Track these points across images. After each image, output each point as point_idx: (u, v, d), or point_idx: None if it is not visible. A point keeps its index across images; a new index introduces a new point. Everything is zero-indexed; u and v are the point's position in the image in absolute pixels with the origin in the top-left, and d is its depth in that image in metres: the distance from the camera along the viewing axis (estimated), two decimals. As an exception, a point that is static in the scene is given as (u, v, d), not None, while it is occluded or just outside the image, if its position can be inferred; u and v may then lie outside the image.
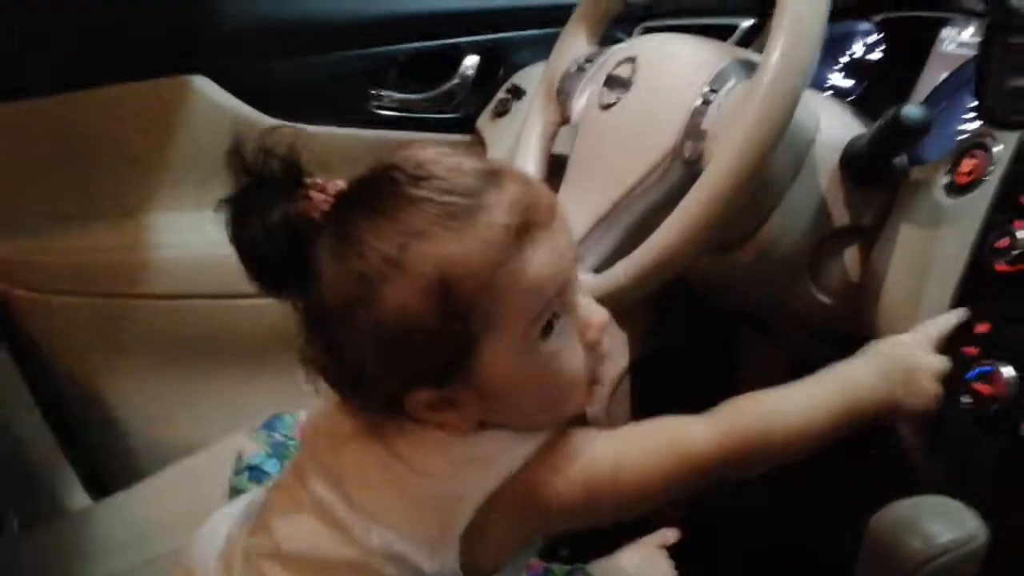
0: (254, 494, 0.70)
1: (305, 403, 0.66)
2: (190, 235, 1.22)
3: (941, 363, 0.66)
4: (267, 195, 0.55)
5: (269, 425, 0.90)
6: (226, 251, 1.28)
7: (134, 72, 1.20)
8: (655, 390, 1.24)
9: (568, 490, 0.57)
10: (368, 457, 0.58)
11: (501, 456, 0.57)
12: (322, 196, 0.55)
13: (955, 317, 0.68)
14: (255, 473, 0.87)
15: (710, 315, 1.20)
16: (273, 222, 0.54)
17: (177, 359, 1.25)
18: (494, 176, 0.55)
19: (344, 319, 0.53)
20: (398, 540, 0.56)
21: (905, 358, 0.66)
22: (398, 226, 0.52)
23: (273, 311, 1.29)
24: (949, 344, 0.69)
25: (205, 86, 1.22)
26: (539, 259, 0.54)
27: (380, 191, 0.54)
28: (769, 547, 1.13)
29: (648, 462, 0.59)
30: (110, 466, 1.27)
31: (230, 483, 0.86)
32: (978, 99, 0.69)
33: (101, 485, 1.24)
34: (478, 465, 0.56)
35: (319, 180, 0.56)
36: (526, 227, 0.54)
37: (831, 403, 0.63)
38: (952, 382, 0.66)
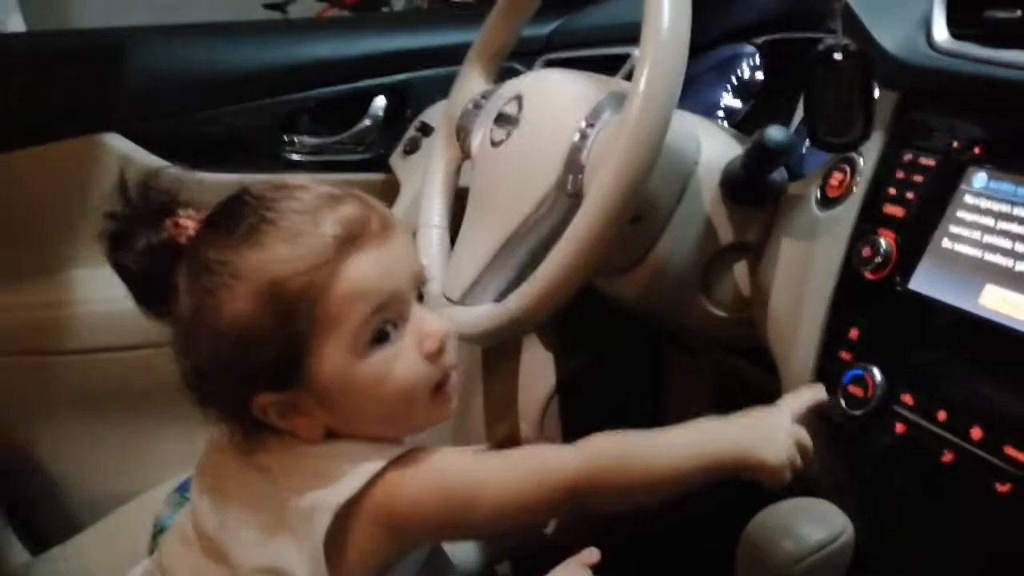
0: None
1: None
2: (110, 289, 1.22)
3: (798, 429, 0.68)
4: (139, 224, 0.60)
5: (183, 487, 0.91)
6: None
7: (46, 135, 1.21)
8: (585, 408, 1.27)
9: (425, 502, 0.60)
10: (238, 475, 0.61)
11: (354, 465, 0.59)
12: (190, 224, 0.60)
13: (814, 394, 0.71)
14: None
15: (634, 332, 1.24)
16: (139, 248, 0.59)
17: (105, 411, 1.25)
18: (334, 198, 0.60)
19: (193, 331, 0.58)
20: (269, 555, 0.58)
21: (766, 417, 0.69)
22: (240, 241, 0.57)
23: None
24: (827, 350, 0.73)
25: (118, 143, 1.23)
26: (365, 267, 0.58)
27: (232, 213, 0.59)
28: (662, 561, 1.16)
29: (507, 481, 0.62)
30: (46, 520, 1.26)
31: (149, 543, 0.86)
32: (807, 125, 0.72)
33: (39, 539, 1.23)
34: (330, 473, 0.58)
35: (192, 212, 0.61)
36: (352, 237, 0.58)
37: (690, 446, 0.66)
38: (830, 386, 0.70)
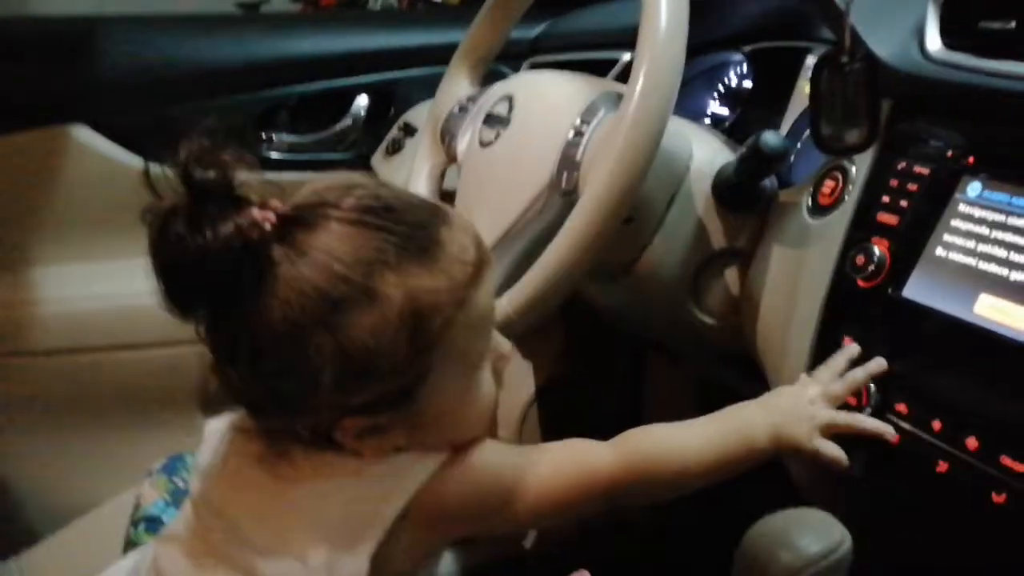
0: (145, 550, 0.68)
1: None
2: (74, 288, 1.19)
3: (826, 414, 0.68)
4: (213, 208, 0.51)
5: (170, 468, 0.88)
6: (112, 302, 1.24)
7: (11, 124, 1.17)
8: (564, 416, 1.26)
9: (472, 499, 0.60)
10: (263, 487, 0.58)
11: (410, 473, 0.58)
12: (264, 214, 0.52)
13: (842, 357, 0.69)
14: (153, 525, 0.85)
15: (616, 341, 1.23)
16: (224, 235, 0.50)
17: (65, 416, 1.21)
18: (440, 211, 0.57)
19: (298, 340, 0.51)
20: (302, 567, 0.55)
21: (791, 392, 0.70)
22: (362, 253, 0.52)
23: (161, 361, 1.26)
24: (820, 358, 0.72)
25: (85, 135, 1.20)
26: (488, 294, 0.58)
27: (328, 216, 0.53)
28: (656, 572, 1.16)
29: (549, 475, 0.62)
30: (3, 531, 1.22)
31: (126, 535, 0.83)
32: (811, 126, 0.72)
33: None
34: (388, 484, 0.57)
35: (274, 203, 0.53)
36: (481, 263, 0.56)
37: (723, 435, 0.68)
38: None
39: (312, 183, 0.57)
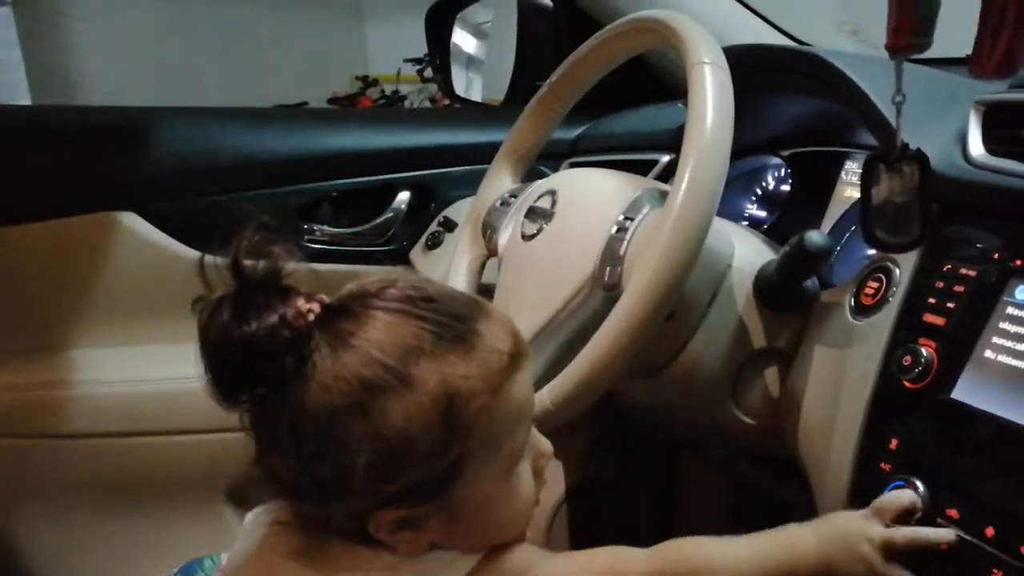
0: None
1: (225, 545, 0.65)
2: (111, 371, 1.20)
3: (881, 532, 0.64)
4: (260, 297, 0.53)
5: (187, 571, 0.87)
6: (147, 387, 1.25)
7: (62, 209, 1.21)
8: (594, 517, 1.23)
9: None
10: None
11: (442, 574, 0.57)
12: (310, 305, 0.54)
13: (905, 498, 0.65)
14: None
15: (647, 442, 1.21)
16: (269, 323, 0.52)
17: (91, 500, 1.20)
18: (478, 304, 0.59)
19: (336, 425, 0.53)
20: None
21: (847, 525, 0.66)
22: (399, 340, 0.53)
23: (193, 448, 1.26)
24: (865, 461, 0.71)
25: (133, 222, 1.23)
26: (525, 386, 0.58)
27: (369, 305, 0.55)
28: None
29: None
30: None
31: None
32: (861, 223, 0.73)
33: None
34: None
35: (319, 295, 0.56)
36: (518, 355, 0.57)
37: (766, 559, 0.65)
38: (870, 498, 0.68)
39: (356, 280, 0.59)
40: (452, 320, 0.55)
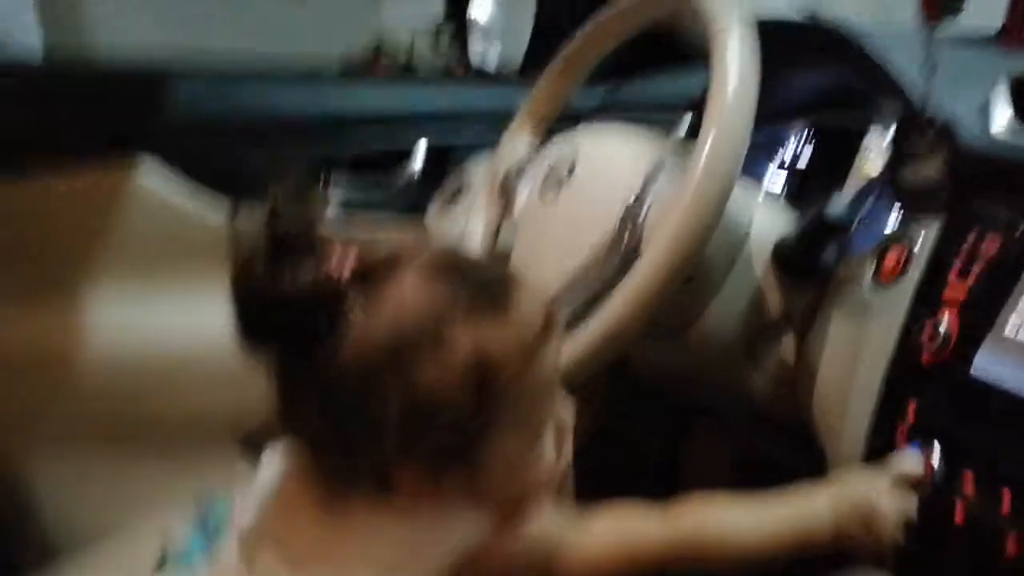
0: None
1: (238, 489, 0.65)
2: (130, 316, 1.22)
3: (899, 506, 0.65)
4: (295, 251, 0.52)
5: (200, 508, 0.87)
6: (164, 333, 1.25)
7: (83, 160, 1.21)
8: (600, 473, 1.24)
9: (516, 562, 0.59)
10: (318, 520, 0.57)
11: (459, 528, 0.57)
12: (345, 261, 0.53)
13: (916, 463, 0.67)
14: (181, 564, 0.83)
15: (652, 403, 1.22)
16: (303, 278, 0.51)
17: (106, 445, 1.21)
18: (511, 273, 0.58)
19: (367, 384, 0.52)
20: None
21: (864, 498, 0.66)
22: (435, 303, 0.53)
23: (210, 395, 1.26)
24: (881, 430, 0.71)
25: (152, 174, 1.23)
26: (554, 356, 0.57)
27: (404, 266, 0.54)
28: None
29: (594, 545, 0.63)
30: (22, 551, 1.22)
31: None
32: (895, 189, 0.72)
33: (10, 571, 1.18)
34: (438, 533, 0.57)
35: (336, 243, 0.54)
36: (550, 324, 0.56)
37: (784, 527, 0.66)
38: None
39: (390, 239, 0.58)
40: (486, 287, 0.55)
